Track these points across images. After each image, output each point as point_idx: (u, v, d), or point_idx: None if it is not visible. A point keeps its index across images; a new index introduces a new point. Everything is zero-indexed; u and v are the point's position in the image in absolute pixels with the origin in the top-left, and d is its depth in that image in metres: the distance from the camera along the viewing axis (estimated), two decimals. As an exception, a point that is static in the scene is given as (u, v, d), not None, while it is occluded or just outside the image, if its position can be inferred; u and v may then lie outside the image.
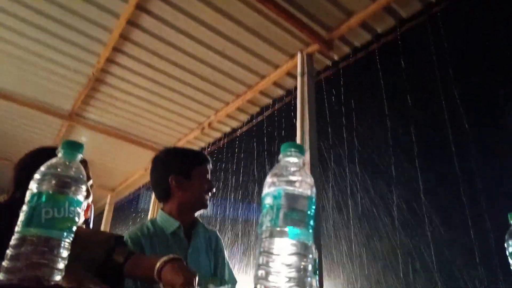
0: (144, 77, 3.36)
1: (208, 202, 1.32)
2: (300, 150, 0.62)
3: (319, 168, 2.51)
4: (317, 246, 2.23)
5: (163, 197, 1.33)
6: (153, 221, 1.30)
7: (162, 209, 1.34)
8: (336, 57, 2.93)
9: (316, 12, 2.56)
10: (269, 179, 0.60)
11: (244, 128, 4.14)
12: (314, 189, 0.60)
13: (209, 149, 4.70)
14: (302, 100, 2.67)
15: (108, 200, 6.53)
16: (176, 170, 1.31)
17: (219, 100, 3.65)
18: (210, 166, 1.36)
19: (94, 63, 3.19)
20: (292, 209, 0.56)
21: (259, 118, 3.89)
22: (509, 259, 0.80)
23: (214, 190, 1.34)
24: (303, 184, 0.59)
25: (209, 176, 1.34)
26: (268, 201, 0.57)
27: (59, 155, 0.64)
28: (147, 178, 5.90)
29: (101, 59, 3.11)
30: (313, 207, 0.58)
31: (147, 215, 4.78)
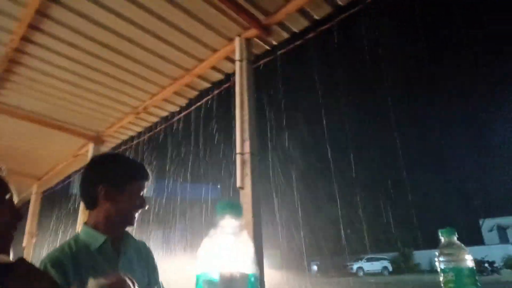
0: (68, 58, 3.04)
1: (135, 219, 1.22)
2: (238, 210, 0.56)
3: (258, 157, 2.50)
4: (258, 254, 2.25)
5: (88, 205, 1.21)
6: (76, 238, 1.16)
7: (85, 222, 1.20)
8: (274, 42, 2.90)
9: (254, -4, 2.49)
10: (202, 253, 0.54)
11: (183, 113, 4.00)
12: (255, 265, 0.54)
13: (146, 135, 4.50)
14: (241, 87, 2.62)
15: (34, 190, 6.02)
16: (109, 179, 1.18)
17: (154, 83, 3.45)
18: (147, 183, 1.25)
19: (6, 41, 2.80)
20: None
21: (199, 103, 3.77)
22: (440, 276, 0.81)
23: (146, 207, 1.23)
24: (245, 259, 0.54)
25: (143, 192, 1.23)
26: (203, 285, 0.52)
27: None
28: (77, 165, 5.51)
29: (15, 37, 2.74)
30: (256, 284, 0.53)
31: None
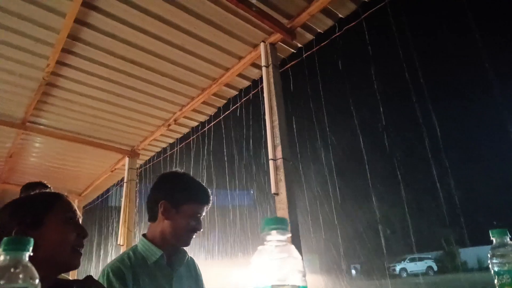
0: (99, 77, 3.15)
1: (189, 240, 1.24)
2: (285, 225, 0.55)
3: (291, 163, 2.47)
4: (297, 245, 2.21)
5: (150, 218, 1.27)
6: (134, 250, 1.22)
7: (144, 234, 1.26)
8: (299, 45, 2.87)
9: (276, 0, 2.47)
10: (253, 269, 0.54)
11: (213, 122, 4.04)
12: (305, 277, 0.54)
13: (179, 146, 4.58)
14: (269, 93, 2.60)
15: (76, 205, 6.27)
16: (169, 196, 1.22)
17: (183, 95, 3.51)
18: (206, 208, 1.27)
19: (43, 67, 2.95)
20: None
21: (228, 111, 3.80)
22: (495, 279, 0.77)
23: (201, 230, 1.25)
24: (295, 272, 0.53)
25: (201, 216, 1.25)
26: None
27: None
28: (115, 179, 5.71)
29: (50, 62, 2.88)
30: None
31: (119, 211, 4.61)
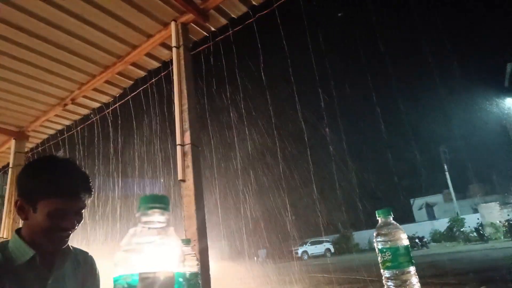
0: (-24, 43, 2.67)
1: (61, 241, 1.02)
2: (165, 204, 0.48)
3: (199, 148, 2.42)
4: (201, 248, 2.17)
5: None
6: (4, 247, 1.01)
7: (18, 230, 1.04)
8: (213, 28, 2.80)
9: (189, -22, 2.37)
10: (121, 255, 0.46)
11: (118, 103, 3.75)
12: (183, 261, 0.48)
13: (78, 127, 4.16)
14: (179, 75, 2.49)
15: None
16: (25, 192, 1.00)
17: (82, 71, 3.17)
18: (79, 201, 1.01)
19: None
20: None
21: (134, 92, 3.56)
22: (378, 256, 0.81)
23: (74, 227, 1.01)
24: (170, 258, 0.47)
25: (68, 212, 1.00)
26: None
27: None
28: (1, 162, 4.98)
29: None
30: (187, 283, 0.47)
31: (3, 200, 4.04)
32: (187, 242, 0.93)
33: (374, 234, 0.84)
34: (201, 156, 2.48)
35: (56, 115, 3.79)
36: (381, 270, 0.81)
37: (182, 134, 2.38)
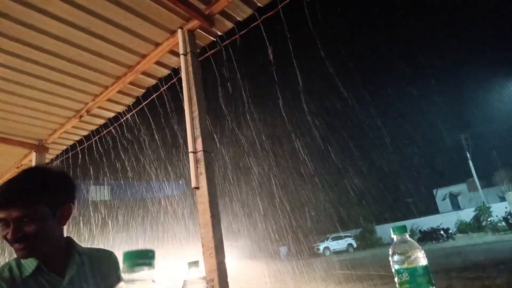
0: (-7, 63, 2.73)
1: (19, 251, 0.99)
2: (149, 260, 0.45)
3: (212, 154, 2.40)
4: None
5: None
6: (11, 264, 1.03)
7: None
8: (219, 33, 2.78)
9: (193, -16, 2.35)
10: None
11: (133, 112, 3.79)
12: None
13: (95, 137, 4.23)
14: (188, 82, 2.48)
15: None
16: None
17: (95, 84, 3.21)
18: (7, 212, 0.96)
19: None
20: None
21: (147, 101, 3.58)
22: (395, 277, 0.77)
23: (10, 238, 0.96)
24: None
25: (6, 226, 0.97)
26: None
27: None
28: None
29: None
30: None
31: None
32: (195, 264, 0.90)
33: (390, 253, 0.79)
34: (218, 161, 2.47)
35: (73, 127, 3.86)
36: (400, 292, 0.76)
37: (194, 141, 2.37)
